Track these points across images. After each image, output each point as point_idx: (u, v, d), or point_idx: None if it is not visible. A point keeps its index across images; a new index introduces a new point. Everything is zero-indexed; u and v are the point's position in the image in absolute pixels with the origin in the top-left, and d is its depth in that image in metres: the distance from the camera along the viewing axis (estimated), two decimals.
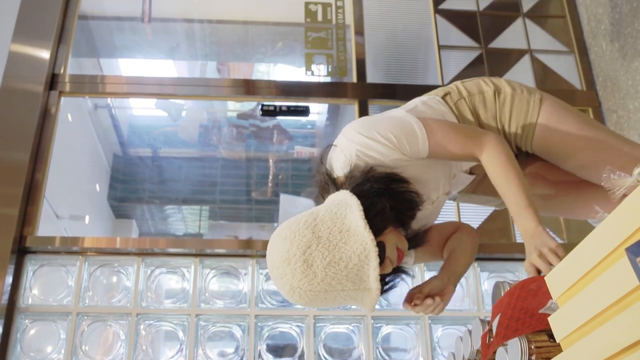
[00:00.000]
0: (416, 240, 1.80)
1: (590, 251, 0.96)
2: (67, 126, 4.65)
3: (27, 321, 3.04)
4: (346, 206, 1.58)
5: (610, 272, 0.89)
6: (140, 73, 6.02)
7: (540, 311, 1.25)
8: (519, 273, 3.19)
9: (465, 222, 2.16)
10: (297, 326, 3.09)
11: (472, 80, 2.02)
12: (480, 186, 2.09)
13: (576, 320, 0.98)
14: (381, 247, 1.56)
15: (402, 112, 1.81)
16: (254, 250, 3.19)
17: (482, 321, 1.60)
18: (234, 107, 5.92)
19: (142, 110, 6.92)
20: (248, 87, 3.84)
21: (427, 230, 1.84)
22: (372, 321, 3.09)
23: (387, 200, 1.65)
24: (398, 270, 1.78)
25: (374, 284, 1.50)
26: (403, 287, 2.69)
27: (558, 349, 1.07)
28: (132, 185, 6.90)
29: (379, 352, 3.05)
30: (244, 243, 3.26)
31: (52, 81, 3.56)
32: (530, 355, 1.21)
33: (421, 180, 1.78)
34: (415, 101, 1.96)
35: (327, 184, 1.74)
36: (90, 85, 3.72)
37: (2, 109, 3.36)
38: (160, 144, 6.69)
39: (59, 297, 3.10)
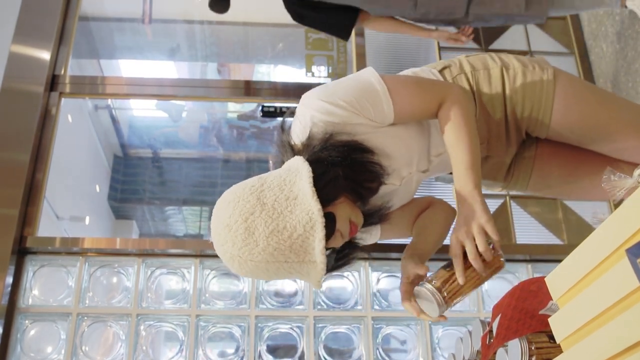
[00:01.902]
0: (377, 217, 1.64)
1: (591, 252, 0.96)
2: (67, 127, 4.65)
3: (27, 322, 3.04)
4: (296, 172, 1.46)
5: (610, 274, 0.90)
6: (140, 74, 6.03)
7: (541, 312, 1.25)
8: (519, 274, 3.19)
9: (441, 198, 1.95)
10: (297, 327, 3.09)
11: (477, 55, 1.88)
12: (484, 167, 1.92)
13: (576, 321, 0.98)
14: (330, 218, 1.44)
15: (366, 73, 1.64)
16: None
17: (483, 322, 1.60)
18: (235, 108, 5.93)
19: (143, 111, 6.92)
20: (248, 89, 3.84)
21: (389, 207, 1.67)
22: (372, 322, 3.09)
23: (344, 169, 1.52)
24: (353, 247, 1.64)
25: (319, 257, 1.39)
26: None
27: (558, 350, 1.07)
28: (132, 186, 6.90)
29: (379, 352, 3.05)
30: None
31: (53, 82, 3.56)
32: (530, 356, 1.21)
33: (389, 153, 1.62)
34: (407, 71, 1.83)
35: (286, 152, 1.61)
36: (90, 86, 3.72)
37: (2, 110, 3.36)
38: (160, 144, 6.70)
39: (59, 297, 3.10)
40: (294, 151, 1.59)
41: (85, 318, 3.07)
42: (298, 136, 1.60)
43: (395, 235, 1.90)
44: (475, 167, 1.55)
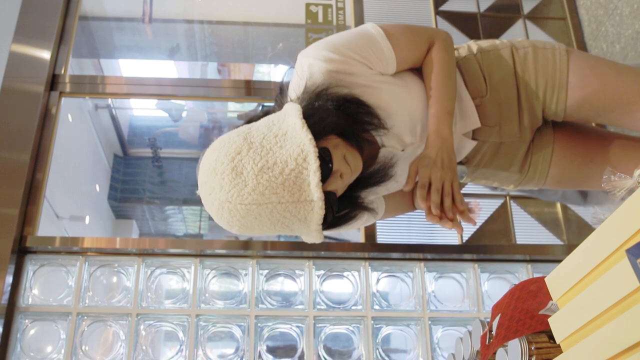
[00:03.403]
0: (379, 175, 1.54)
1: (591, 252, 0.96)
2: (67, 126, 4.66)
3: (27, 321, 3.04)
4: (285, 114, 1.38)
5: (610, 274, 0.90)
6: (140, 73, 6.03)
7: (541, 312, 1.25)
8: (519, 274, 3.19)
9: None
10: (297, 327, 3.09)
11: (486, 40, 1.81)
12: (493, 158, 1.82)
13: (576, 322, 0.98)
14: (324, 151, 1.35)
15: (364, 25, 1.58)
16: (254, 250, 3.19)
17: (482, 322, 1.60)
18: (235, 108, 5.93)
19: (143, 110, 6.93)
20: (249, 88, 3.84)
21: (392, 165, 1.55)
22: (372, 322, 3.09)
23: (338, 115, 1.44)
24: (356, 204, 1.53)
25: (316, 192, 1.29)
26: (403, 288, 2.70)
27: (558, 350, 1.07)
28: (132, 185, 6.90)
29: (379, 353, 3.05)
30: (244, 244, 3.25)
31: (53, 82, 3.56)
32: (530, 356, 1.21)
33: (389, 113, 1.54)
34: None
35: (282, 105, 1.51)
36: (90, 86, 3.72)
37: (2, 110, 3.36)
38: (160, 144, 6.70)
39: (59, 297, 3.10)
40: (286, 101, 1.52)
41: (85, 317, 3.07)
42: (294, 90, 1.53)
43: (401, 210, 1.84)
44: (452, 117, 1.55)
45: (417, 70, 1.67)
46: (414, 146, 1.63)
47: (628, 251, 0.85)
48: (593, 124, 1.97)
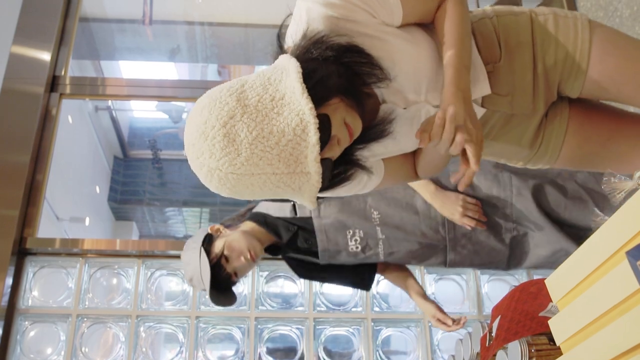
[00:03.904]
0: (377, 130, 1.42)
1: (591, 254, 0.96)
2: (67, 128, 4.66)
3: (27, 323, 3.04)
4: (282, 70, 1.26)
5: (610, 276, 0.89)
6: (141, 75, 6.04)
7: (541, 314, 1.25)
8: (519, 276, 3.19)
9: None
10: (297, 328, 3.09)
11: (504, 6, 1.68)
12: (503, 131, 1.70)
13: (576, 324, 0.98)
14: (324, 119, 1.24)
15: None
16: None
17: (482, 324, 1.60)
18: None
19: (143, 112, 6.94)
20: None
21: (391, 120, 1.44)
22: (372, 324, 3.09)
23: (338, 68, 1.32)
24: (351, 162, 1.41)
25: (313, 166, 1.20)
26: (403, 290, 2.70)
27: (558, 352, 1.07)
28: (132, 187, 6.91)
29: (379, 354, 3.05)
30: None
31: (53, 83, 3.56)
32: (530, 358, 1.21)
33: (392, 66, 1.41)
34: None
35: (278, 54, 1.40)
36: (90, 87, 3.72)
37: (2, 111, 3.37)
38: (160, 146, 6.71)
39: (59, 298, 3.10)
40: (282, 52, 1.40)
41: (85, 319, 3.07)
42: (292, 37, 1.41)
43: (400, 178, 1.74)
44: (462, 70, 1.40)
45: (426, 28, 1.54)
46: (417, 105, 1.50)
47: (628, 253, 0.84)
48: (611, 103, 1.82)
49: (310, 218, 2.44)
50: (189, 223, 7.55)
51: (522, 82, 1.61)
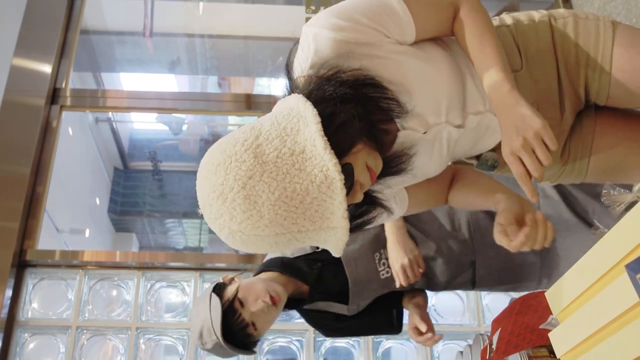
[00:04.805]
0: (395, 165, 1.35)
1: (591, 267, 0.96)
2: (68, 140, 4.67)
3: (26, 335, 3.04)
4: (298, 117, 1.17)
5: (610, 289, 0.90)
6: (141, 87, 6.05)
7: (541, 327, 1.25)
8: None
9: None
10: (297, 341, 3.09)
11: (521, 12, 1.60)
12: None
13: (577, 336, 0.98)
14: (348, 171, 1.17)
15: None
16: (254, 264, 3.19)
17: (482, 336, 1.60)
18: (235, 121, 5.94)
19: (143, 124, 6.95)
20: (249, 102, 3.85)
21: (410, 155, 1.37)
22: (372, 336, 3.08)
23: (356, 107, 1.23)
24: (373, 202, 1.38)
25: (340, 222, 1.14)
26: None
27: None
28: (132, 198, 6.91)
29: None
30: (244, 257, 3.25)
31: (54, 95, 3.57)
32: None
33: (410, 89, 1.32)
34: None
35: (290, 88, 1.32)
36: (91, 99, 3.73)
37: (3, 123, 3.37)
38: (161, 157, 6.71)
39: (58, 310, 3.09)
40: (293, 87, 1.31)
41: (85, 331, 3.06)
42: (300, 66, 1.33)
43: (425, 207, 1.69)
44: (508, 70, 1.31)
45: (441, 42, 1.47)
46: (438, 127, 1.41)
47: (627, 266, 0.85)
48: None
49: None
50: (189, 235, 7.55)
51: (547, 92, 1.54)
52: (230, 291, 1.93)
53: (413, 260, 2.05)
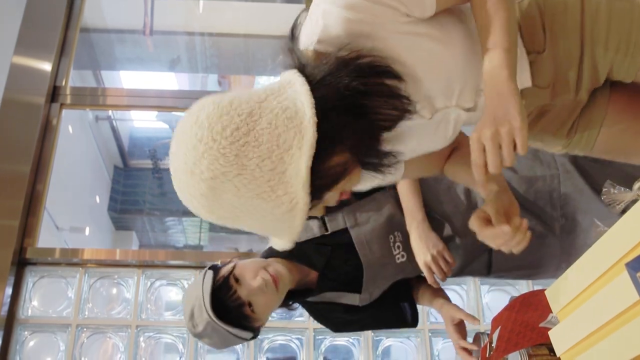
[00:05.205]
0: (377, 165, 1.26)
1: (591, 266, 0.96)
2: (68, 138, 4.67)
3: (26, 333, 3.03)
4: (296, 132, 1.11)
5: (610, 287, 0.90)
6: (141, 85, 6.04)
7: (541, 325, 1.25)
8: (519, 287, 3.18)
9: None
10: (297, 339, 3.09)
11: None
12: (539, 120, 1.55)
13: (576, 335, 0.98)
14: (315, 205, 1.18)
15: None
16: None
17: (482, 334, 1.60)
18: None
19: (143, 122, 6.95)
20: None
21: (396, 158, 1.28)
22: (373, 334, 3.08)
23: (355, 110, 1.16)
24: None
25: (294, 235, 1.18)
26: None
27: None
28: (132, 197, 6.91)
29: None
30: (244, 255, 3.25)
31: (54, 93, 3.57)
32: None
33: (420, 74, 1.26)
34: None
35: (293, 57, 1.27)
36: (91, 98, 3.73)
37: (3, 121, 3.37)
38: (160, 156, 6.71)
39: (58, 308, 3.09)
40: (295, 61, 1.25)
41: (85, 329, 3.06)
42: (307, 38, 1.26)
43: (422, 172, 1.66)
44: (514, 53, 1.23)
45: (458, 12, 1.37)
46: (447, 111, 1.35)
47: (627, 265, 0.85)
48: None
49: (346, 230, 1.96)
50: (189, 233, 7.55)
51: (565, 73, 1.44)
52: (226, 269, 1.81)
53: (437, 256, 1.87)
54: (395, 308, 2.10)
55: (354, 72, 1.16)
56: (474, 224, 1.29)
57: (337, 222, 1.95)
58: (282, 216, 1.12)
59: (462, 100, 1.35)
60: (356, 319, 2.10)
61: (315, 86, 1.16)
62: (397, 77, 1.21)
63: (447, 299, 2.08)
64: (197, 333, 1.75)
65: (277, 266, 1.82)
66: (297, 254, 1.85)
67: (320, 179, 1.13)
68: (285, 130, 1.10)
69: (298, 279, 1.92)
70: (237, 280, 1.77)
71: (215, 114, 1.13)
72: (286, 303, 1.97)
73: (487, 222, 1.28)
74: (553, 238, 1.96)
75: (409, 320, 2.13)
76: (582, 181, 1.90)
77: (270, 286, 1.76)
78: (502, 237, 1.24)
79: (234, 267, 1.80)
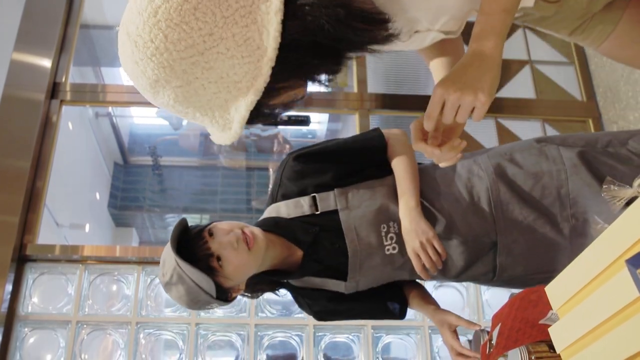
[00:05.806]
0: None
1: (591, 262, 0.96)
2: (68, 134, 4.66)
3: (26, 329, 3.04)
4: (255, 65, 1.02)
5: (610, 284, 0.90)
6: None
7: (541, 322, 1.25)
8: None
9: None
10: (297, 335, 3.09)
11: None
12: (542, 20, 1.52)
13: (577, 331, 0.98)
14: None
15: None
16: None
17: (482, 331, 1.60)
18: None
19: (143, 118, 6.93)
20: None
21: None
22: (372, 331, 3.08)
23: (323, 27, 1.03)
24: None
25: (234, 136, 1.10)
26: None
27: (558, 359, 1.07)
28: (132, 193, 6.90)
29: None
30: None
31: (54, 90, 3.57)
32: None
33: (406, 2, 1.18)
34: None
35: None
36: (91, 94, 3.73)
37: (3, 118, 3.37)
38: (161, 152, 6.70)
39: (58, 305, 3.09)
40: None
41: (85, 326, 3.06)
42: None
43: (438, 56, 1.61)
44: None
45: None
46: (426, 34, 1.30)
47: (628, 261, 0.85)
48: None
49: (336, 212, 1.85)
50: None
51: None
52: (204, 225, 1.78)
53: (426, 244, 1.74)
54: (384, 306, 2.02)
55: (334, 14, 1.04)
56: (412, 131, 1.25)
57: (328, 202, 1.85)
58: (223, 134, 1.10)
59: (447, 25, 1.33)
60: (345, 309, 2.04)
61: (291, 9, 1.02)
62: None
63: (437, 305, 1.99)
64: (165, 282, 1.70)
65: (254, 229, 1.76)
66: (284, 228, 1.83)
67: (275, 80, 1.05)
68: (239, 64, 1.02)
69: (282, 257, 1.85)
70: (211, 234, 1.73)
71: (175, 17, 1.00)
72: (272, 288, 1.97)
73: (424, 134, 1.25)
74: (563, 239, 1.80)
75: (397, 313, 2.04)
76: (590, 175, 1.78)
77: (241, 244, 1.70)
78: (432, 156, 1.26)
79: (210, 223, 1.78)
